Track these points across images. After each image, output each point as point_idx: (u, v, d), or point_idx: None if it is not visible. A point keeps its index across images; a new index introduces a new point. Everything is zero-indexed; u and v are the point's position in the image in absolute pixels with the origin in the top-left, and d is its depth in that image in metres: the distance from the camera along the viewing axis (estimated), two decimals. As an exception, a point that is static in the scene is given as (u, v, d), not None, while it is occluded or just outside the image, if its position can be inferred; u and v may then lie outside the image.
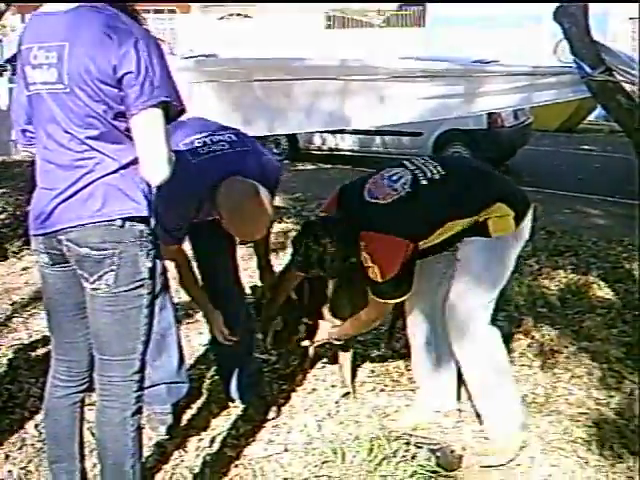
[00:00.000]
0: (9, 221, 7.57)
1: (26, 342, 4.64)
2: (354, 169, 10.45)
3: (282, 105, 5.05)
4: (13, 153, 5.44)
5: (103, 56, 2.29)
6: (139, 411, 2.64)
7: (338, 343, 3.87)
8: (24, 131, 2.67)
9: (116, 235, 2.42)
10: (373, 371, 4.24)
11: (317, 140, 11.97)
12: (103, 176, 2.40)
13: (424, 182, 3.30)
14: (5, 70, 22.29)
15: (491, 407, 3.53)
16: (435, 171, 3.34)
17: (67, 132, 2.40)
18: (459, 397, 3.84)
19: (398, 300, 3.44)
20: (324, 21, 29.23)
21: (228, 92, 4.80)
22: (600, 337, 4.57)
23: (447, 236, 3.32)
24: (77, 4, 2.38)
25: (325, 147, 11.99)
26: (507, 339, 4.44)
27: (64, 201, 2.42)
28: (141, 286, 2.49)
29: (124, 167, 2.42)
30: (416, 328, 3.76)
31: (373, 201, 3.32)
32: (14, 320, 5.03)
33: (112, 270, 2.44)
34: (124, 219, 2.42)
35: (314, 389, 4.05)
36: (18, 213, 7.89)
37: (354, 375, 4.11)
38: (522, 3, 18.39)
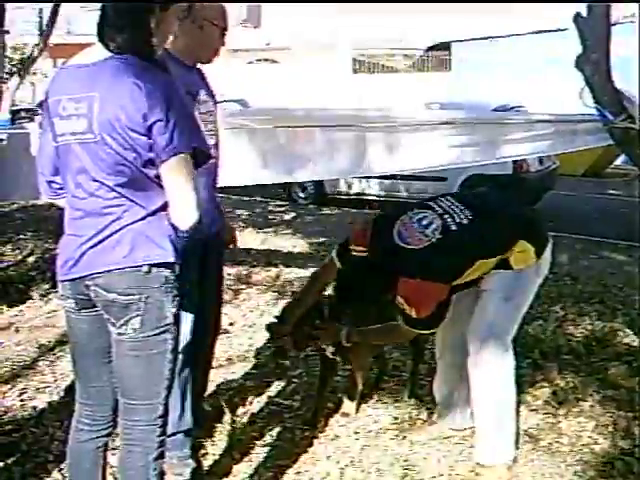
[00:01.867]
0: (37, 264, 7.65)
1: (52, 385, 4.67)
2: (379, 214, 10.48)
3: (305, 152, 5.11)
4: (42, 197, 5.50)
5: (133, 105, 2.36)
6: (162, 456, 2.68)
7: (347, 345, 3.87)
8: (50, 182, 2.73)
9: (142, 281, 2.48)
10: (396, 418, 4.21)
11: (343, 185, 12.04)
12: (131, 223, 2.47)
13: (454, 227, 3.44)
14: (36, 114, 22.69)
15: (488, 433, 3.69)
16: (463, 215, 3.47)
17: (96, 180, 2.46)
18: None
19: (428, 332, 3.64)
20: (351, 66, 29.50)
21: (252, 139, 4.86)
22: (626, 385, 4.51)
23: (477, 274, 3.49)
24: (104, 56, 2.47)
25: (351, 192, 12.05)
26: (531, 386, 4.46)
27: (92, 247, 2.48)
28: (166, 331, 2.55)
29: (152, 214, 2.49)
30: (444, 350, 3.99)
31: (405, 246, 3.43)
32: (40, 363, 5.06)
33: (138, 315, 2.49)
34: (151, 265, 2.48)
35: (337, 436, 4.03)
36: (46, 256, 7.97)
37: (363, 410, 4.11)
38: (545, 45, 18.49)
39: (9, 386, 4.66)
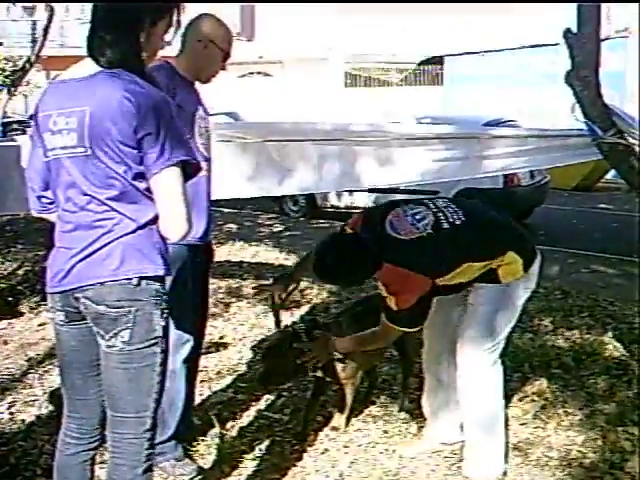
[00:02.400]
0: (27, 276, 7.63)
1: (41, 399, 4.66)
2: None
3: (296, 165, 5.12)
4: (32, 212, 5.53)
5: (124, 119, 2.38)
6: (150, 469, 2.66)
7: (338, 357, 3.91)
8: (40, 197, 2.74)
9: (132, 294, 2.48)
10: (386, 432, 4.21)
11: (333, 198, 12.05)
12: (121, 236, 2.47)
13: (446, 225, 3.48)
14: (28, 126, 22.67)
15: (477, 447, 3.73)
16: (456, 217, 3.52)
17: (86, 194, 2.48)
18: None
19: (409, 330, 3.58)
20: (344, 79, 29.56)
21: (243, 152, 4.87)
22: (615, 399, 4.52)
23: (463, 278, 3.50)
24: (94, 71, 2.48)
25: (341, 205, 12.06)
26: (521, 400, 4.46)
27: (82, 260, 2.49)
28: (155, 344, 2.55)
29: (142, 227, 2.49)
30: (431, 363, 3.99)
31: (394, 235, 3.47)
32: (29, 376, 5.04)
33: (128, 328, 2.49)
34: (140, 278, 2.49)
35: (326, 449, 4.02)
36: (36, 269, 7.95)
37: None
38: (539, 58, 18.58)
39: (-2, 399, 4.65)
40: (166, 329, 2.59)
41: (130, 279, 2.47)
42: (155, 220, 2.51)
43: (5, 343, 5.74)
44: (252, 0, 27.70)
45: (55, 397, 4.62)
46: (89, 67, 2.52)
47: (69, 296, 2.55)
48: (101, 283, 2.47)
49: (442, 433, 4.02)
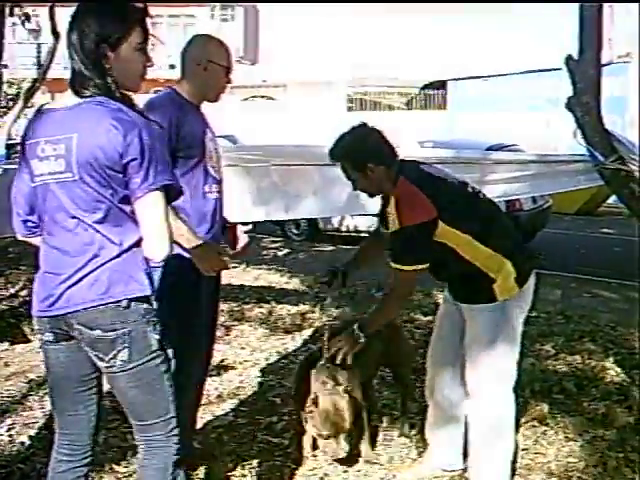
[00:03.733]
0: (29, 299, 7.62)
1: (41, 421, 4.65)
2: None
3: (299, 190, 5.14)
4: (17, 236, 5.58)
5: (110, 145, 2.48)
6: (179, 464, 2.79)
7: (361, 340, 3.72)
8: (25, 221, 2.80)
9: (123, 315, 2.58)
10: (386, 456, 4.20)
11: (335, 222, 12.06)
12: (108, 261, 2.57)
13: (470, 189, 3.63)
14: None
15: (483, 471, 3.71)
16: (481, 194, 3.67)
17: (74, 217, 2.57)
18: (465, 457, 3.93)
19: (412, 268, 3.48)
20: (346, 104, 29.66)
21: (246, 176, 4.89)
22: (616, 425, 4.50)
23: (461, 250, 3.47)
24: (80, 100, 2.58)
25: (343, 228, 12.07)
26: (522, 425, 4.44)
27: (72, 286, 2.57)
28: (155, 357, 2.67)
29: (126, 250, 2.59)
30: (434, 391, 3.93)
31: (425, 169, 3.63)
32: (30, 398, 5.04)
33: (125, 347, 2.60)
34: (129, 300, 2.59)
35: (326, 474, 4.01)
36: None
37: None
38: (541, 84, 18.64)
39: (-2, 421, 4.65)
40: (160, 341, 2.69)
41: (119, 301, 2.57)
42: (139, 243, 2.60)
43: (6, 365, 5.74)
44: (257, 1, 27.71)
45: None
46: (73, 97, 2.60)
47: (60, 320, 2.63)
48: (91, 307, 2.56)
49: (443, 459, 4.00)
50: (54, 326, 2.67)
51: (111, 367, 2.62)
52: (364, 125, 3.61)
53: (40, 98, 22.81)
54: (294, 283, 8.62)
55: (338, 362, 3.72)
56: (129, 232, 2.59)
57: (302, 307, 7.28)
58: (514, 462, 3.86)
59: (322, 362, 3.75)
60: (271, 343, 6.21)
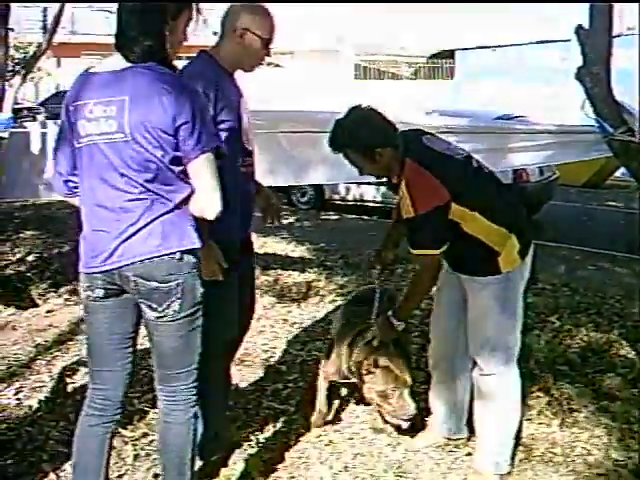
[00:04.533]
0: (36, 263, 7.66)
1: (48, 385, 4.69)
2: (378, 220, 10.49)
3: (308, 156, 5.12)
4: (42, 195, 5.59)
5: (163, 109, 2.61)
6: (196, 414, 3.01)
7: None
8: (67, 181, 2.91)
9: (177, 267, 2.76)
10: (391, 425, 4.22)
11: (342, 190, 12.04)
12: (160, 215, 2.72)
13: (475, 164, 3.60)
14: (39, 113, 22.64)
15: (487, 444, 3.75)
16: (484, 167, 3.65)
17: (124, 176, 2.69)
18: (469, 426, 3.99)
19: (432, 252, 3.45)
20: (353, 71, 29.53)
21: (256, 143, 4.88)
22: (620, 397, 4.52)
23: (468, 228, 3.43)
24: (129, 64, 2.70)
25: (350, 198, 12.05)
26: (526, 396, 4.44)
27: (125, 240, 2.72)
28: (199, 309, 2.87)
29: (177, 206, 2.75)
30: (439, 360, 3.97)
31: (426, 144, 3.53)
32: (37, 362, 5.08)
33: (178, 298, 2.78)
34: (182, 252, 2.76)
35: (331, 441, 4.04)
36: (45, 255, 7.99)
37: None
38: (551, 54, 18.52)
39: (5, 385, 4.68)
40: (204, 294, 2.87)
41: (174, 254, 2.74)
42: (187, 200, 2.76)
43: (13, 329, 5.76)
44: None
45: (64, 383, 4.66)
46: (121, 62, 2.71)
47: (113, 275, 2.77)
48: (147, 259, 2.71)
49: (447, 427, 4.03)
50: (107, 281, 2.80)
51: (163, 317, 2.79)
52: (360, 107, 3.48)
53: (45, 63, 22.78)
54: (300, 251, 8.62)
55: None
56: (178, 190, 2.73)
57: (307, 275, 7.29)
58: (518, 431, 3.88)
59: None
60: (277, 311, 6.22)
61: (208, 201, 2.74)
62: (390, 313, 3.69)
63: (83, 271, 2.86)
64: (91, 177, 2.75)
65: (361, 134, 3.40)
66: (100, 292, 2.83)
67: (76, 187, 2.87)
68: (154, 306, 2.78)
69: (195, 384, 2.97)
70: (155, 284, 2.74)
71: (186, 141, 2.65)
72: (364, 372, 3.76)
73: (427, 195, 3.33)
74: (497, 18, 28.20)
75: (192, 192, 2.75)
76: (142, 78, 2.65)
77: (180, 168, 2.71)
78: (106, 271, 2.77)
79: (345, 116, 3.47)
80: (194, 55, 3.44)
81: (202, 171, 2.71)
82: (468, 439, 3.98)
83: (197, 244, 2.80)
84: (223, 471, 3.71)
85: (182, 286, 2.76)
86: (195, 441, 3.03)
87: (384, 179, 3.66)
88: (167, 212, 2.72)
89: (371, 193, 11.73)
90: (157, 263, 2.72)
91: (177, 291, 2.76)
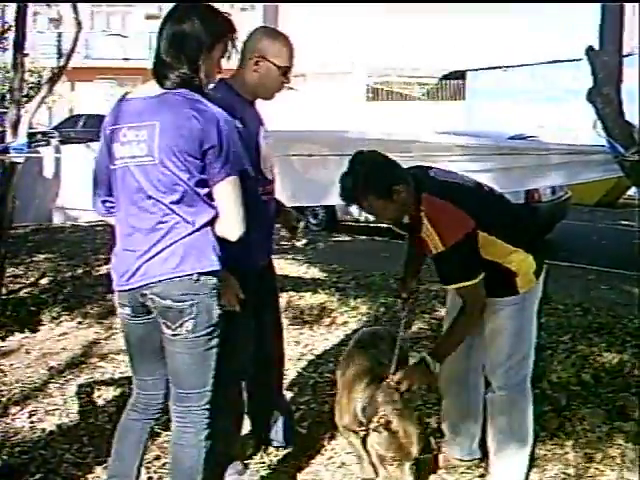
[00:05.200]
0: (50, 286, 7.70)
1: (61, 408, 4.71)
2: (390, 241, 10.49)
3: (320, 178, 5.14)
4: (56, 220, 5.66)
5: (191, 133, 2.74)
6: (210, 436, 3.05)
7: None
8: (104, 202, 3.08)
9: (193, 288, 2.84)
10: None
11: (355, 212, 12.03)
12: (182, 238, 2.83)
13: (486, 189, 3.61)
14: (53, 137, 22.78)
15: (501, 465, 3.73)
16: (494, 191, 3.68)
17: (151, 198, 2.83)
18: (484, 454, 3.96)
19: (467, 283, 3.37)
20: (365, 93, 29.61)
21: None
22: (634, 417, 4.49)
23: (488, 254, 3.40)
24: (163, 90, 2.84)
25: (362, 218, 12.05)
26: (540, 417, 4.43)
27: (148, 260, 2.85)
28: (214, 330, 2.92)
29: (199, 229, 2.84)
30: (451, 383, 3.93)
31: (439, 176, 3.52)
32: (50, 385, 5.10)
33: (192, 318, 2.85)
34: (200, 274, 2.83)
35: (343, 463, 4.03)
36: (58, 279, 8.03)
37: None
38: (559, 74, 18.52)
39: (19, 408, 4.71)
40: (221, 316, 2.93)
41: (191, 275, 2.82)
42: (211, 222, 2.86)
43: (27, 353, 5.79)
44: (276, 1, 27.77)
45: (79, 406, 4.67)
46: (155, 88, 2.86)
47: (136, 293, 2.89)
48: (166, 280, 2.82)
49: (459, 450, 4.02)
50: (132, 300, 2.93)
51: (177, 335, 2.87)
52: (362, 152, 3.39)
53: (59, 87, 22.97)
54: (312, 272, 8.62)
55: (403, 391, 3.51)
56: (202, 212, 2.83)
57: (320, 296, 7.29)
58: (532, 452, 3.86)
59: (388, 380, 3.55)
60: (289, 333, 6.21)
61: (231, 223, 2.84)
62: (427, 355, 3.49)
63: (114, 289, 3.00)
64: (124, 198, 2.90)
65: (376, 176, 3.31)
66: (128, 310, 2.98)
67: (113, 207, 3.03)
68: (168, 324, 2.88)
69: (208, 407, 3.01)
70: (169, 302, 2.83)
71: (212, 164, 2.77)
72: (372, 426, 3.47)
73: (454, 226, 3.29)
74: (509, 37, 28.20)
75: (216, 215, 2.85)
76: (173, 104, 2.79)
77: (206, 190, 2.82)
78: (130, 289, 2.90)
79: (351, 166, 3.35)
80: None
81: (226, 193, 2.81)
82: (481, 460, 3.97)
83: (217, 266, 2.87)
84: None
85: (197, 307, 2.84)
86: (204, 463, 3.06)
87: (400, 220, 3.52)
88: (189, 234, 2.82)
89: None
90: (174, 283, 2.82)
91: (191, 311, 2.84)
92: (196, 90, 2.84)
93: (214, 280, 2.88)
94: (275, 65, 3.41)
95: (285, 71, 3.46)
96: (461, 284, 3.39)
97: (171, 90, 2.82)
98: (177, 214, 2.81)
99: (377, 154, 3.41)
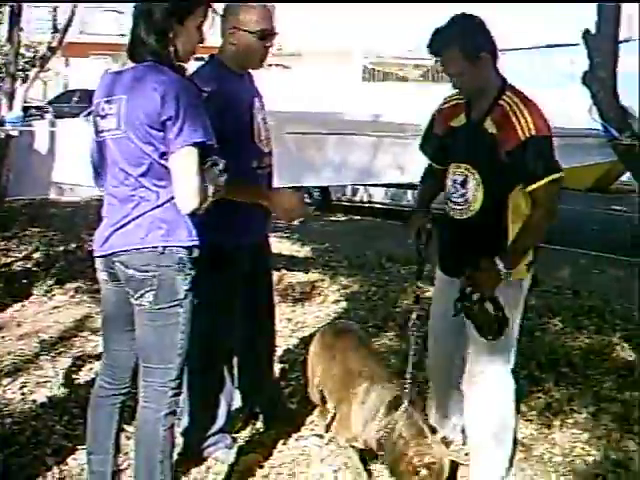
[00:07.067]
0: (42, 260, 7.70)
1: (52, 380, 4.73)
2: (384, 221, 10.50)
3: (314, 158, 5.14)
4: (51, 195, 5.65)
5: (150, 104, 2.75)
6: (173, 413, 3.03)
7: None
8: (99, 174, 3.09)
9: (157, 260, 2.85)
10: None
11: (349, 192, 12.05)
12: (150, 210, 2.85)
13: None
14: (47, 112, 22.69)
15: (484, 455, 3.61)
16: None
17: (123, 171, 2.88)
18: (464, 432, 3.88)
19: (556, 176, 3.27)
20: (361, 74, 29.51)
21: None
22: (621, 399, 4.53)
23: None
24: (134, 64, 2.87)
25: (356, 199, 12.07)
26: (527, 397, 4.47)
27: (116, 230, 2.90)
28: (177, 305, 2.91)
29: (167, 201, 2.85)
30: (436, 370, 3.90)
31: None
32: (41, 358, 5.12)
33: (152, 290, 2.87)
34: (165, 246, 2.85)
35: (331, 440, 4.05)
36: (51, 252, 8.03)
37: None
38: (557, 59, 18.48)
39: (10, 379, 4.73)
40: (190, 292, 2.91)
41: (156, 247, 2.84)
42: None
43: (19, 325, 5.81)
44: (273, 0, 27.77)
45: (69, 379, 4.69)
46: (129, 62, 2.90)
47: (107, 260, 2.95)
48: (132, 249, 2.85)
49: (445, 432, 3.86)
50: (106, 266, 2.98)
51: (139, 305, 2.89)
52: (466, 14, 3.27)
53: (54, 62, 22.84)
54: (304, 251, 8.64)
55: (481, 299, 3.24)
56: (169, 185, 2.82)
57: (311, 275, 7.31)
58: (516, 433, 3.87)
59: (406, 406, 3.36)
60: (280, 310, 6.22)
61: (181, 195, 2.79)
62: (498, 260, 3.20)
63: (93, 255, 3.05)
64: (107, 170, 2.96)
65: (471, 34, 3.22)
66: (104, 275, 3.02)
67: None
68: (131, 293, 2.91)
69: (172, 385, 2.98)
70: (132, 271, 2.86)
71: (167, 135, 2.76)
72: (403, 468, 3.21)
73: (545, 119, 3.19)
74: (505, 21, 28.14)
75: None
76: (137, 77, 2.82)
77: None
78: (102, 256, 2.97)
79: (453, 20, 3.25)
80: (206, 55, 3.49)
81: (179, 164, 2.77)
82: (463, 444, 3.91)
83: (186, 242, 2.88)
84: (224, 467, 3.74)
85: (158, 279, 2.85)
86: (170, 447, 3.03)
87: (474, 92, 3.38)
88: (157, 206, 2.85)
89: (380, 195, 11.72)
90: (139, 254, 2.85)
91: (152, 282, 2.85)
92: (165, 63, 2.83)
93: (181, 254, 2.87)
94: (249, 32, 3.40)
95: (263, 35, 3.43)
96: (551, 176, 3.24)
97: (140, 64, 2.85)
98: (145, 187, 2.85)
99: (481, 21, 3.28)
